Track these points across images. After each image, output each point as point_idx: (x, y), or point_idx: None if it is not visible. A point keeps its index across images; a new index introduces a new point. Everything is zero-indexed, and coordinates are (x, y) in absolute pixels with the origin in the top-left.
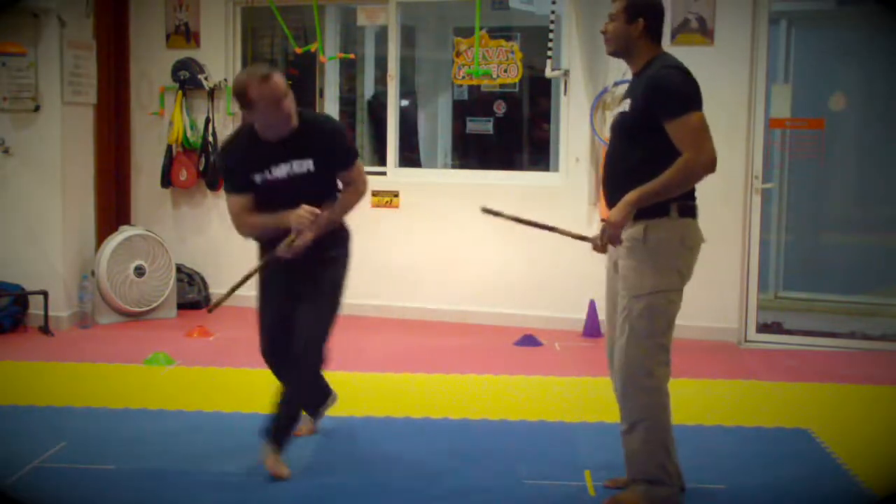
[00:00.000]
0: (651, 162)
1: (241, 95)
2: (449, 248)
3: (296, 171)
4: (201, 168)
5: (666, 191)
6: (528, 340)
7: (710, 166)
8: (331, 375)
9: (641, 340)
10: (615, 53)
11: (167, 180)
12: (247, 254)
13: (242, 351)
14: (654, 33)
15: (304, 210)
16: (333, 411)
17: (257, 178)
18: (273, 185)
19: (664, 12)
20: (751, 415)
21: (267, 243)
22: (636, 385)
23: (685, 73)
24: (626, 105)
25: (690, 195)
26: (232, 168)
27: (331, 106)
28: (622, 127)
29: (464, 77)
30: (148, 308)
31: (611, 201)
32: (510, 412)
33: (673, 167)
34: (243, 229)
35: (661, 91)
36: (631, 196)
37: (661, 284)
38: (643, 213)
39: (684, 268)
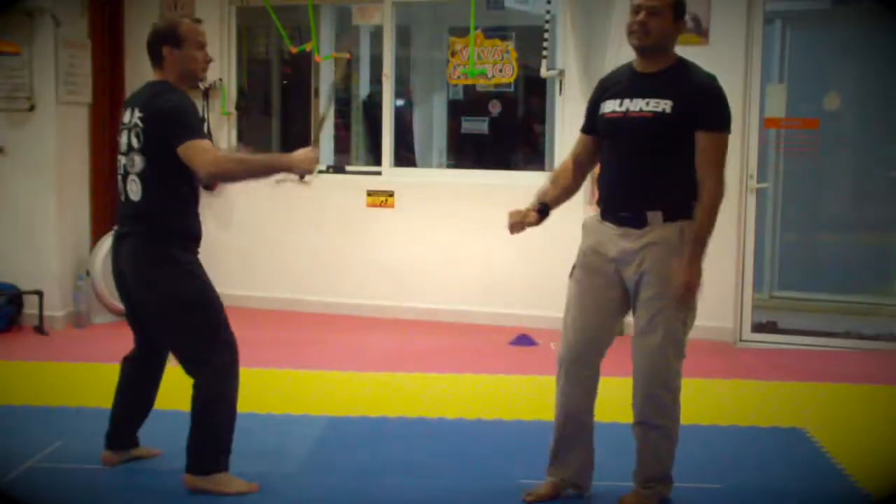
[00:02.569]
0: (682, 172)
1: (170, 31)
2: (444, 247)
3: None
4: None
5: (711, 231)
6: (524, 340)
7: (723, 194)
8: (329, 375)
9: (678, 339)
10: (648, 48)
11: None
12: (245, 254)
13: (241, 351)
14: None
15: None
16: (331, 411)
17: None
18: None
19: None
20: (746, 414)
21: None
22: (667, 385)
23: None
24: (642, 105)
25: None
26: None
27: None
28: (650, 128)
29: (459, 77)
30: None
31: (631, 209)
32: (506, 412)
33: (705, 204)
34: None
35: (716, 103)
36: (696, 250)
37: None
38: (677, 213)
39: None
